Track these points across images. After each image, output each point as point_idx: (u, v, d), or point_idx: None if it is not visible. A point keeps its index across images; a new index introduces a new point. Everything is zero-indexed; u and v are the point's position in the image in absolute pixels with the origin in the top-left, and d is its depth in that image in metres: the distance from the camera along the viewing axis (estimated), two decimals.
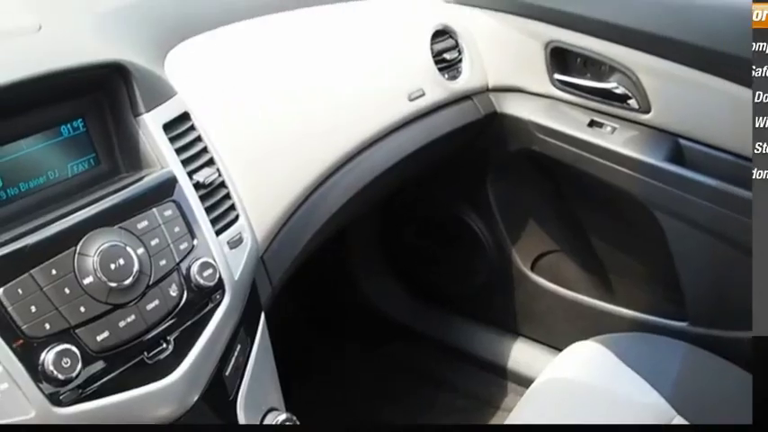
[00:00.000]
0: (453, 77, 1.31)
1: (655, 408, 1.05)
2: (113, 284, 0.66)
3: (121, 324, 0.66)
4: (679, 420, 1.04)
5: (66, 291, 0.63)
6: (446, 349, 1.67)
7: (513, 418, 1.06)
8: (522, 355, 1.58)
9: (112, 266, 0.66)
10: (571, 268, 1.52)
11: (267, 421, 0.80)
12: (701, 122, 1.26)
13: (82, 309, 0.64)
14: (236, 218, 0.81)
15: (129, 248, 0.68)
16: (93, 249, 0.66)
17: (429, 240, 1.67)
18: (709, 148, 1.27)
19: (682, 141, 1.29)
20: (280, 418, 0.80)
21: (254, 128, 0.90)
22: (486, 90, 1.38)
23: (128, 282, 0.67)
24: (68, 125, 0.74)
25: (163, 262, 0.71)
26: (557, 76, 1.35)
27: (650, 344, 1.21)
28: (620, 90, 1.30)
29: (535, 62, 1.35)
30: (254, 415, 0.79)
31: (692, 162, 1.27)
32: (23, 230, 0.64)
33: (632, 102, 1.30)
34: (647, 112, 1.29)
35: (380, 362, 1.69)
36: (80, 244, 0.65)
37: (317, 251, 1.05)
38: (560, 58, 1.34)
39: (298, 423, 0.82)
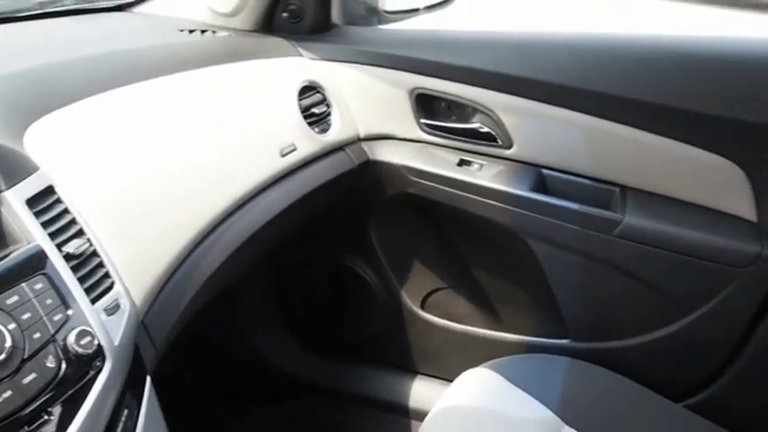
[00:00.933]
0: (324, 130, 1.35)
1: (544, 422, 1.10)
2: None
3: None
4: (568, 430, 1.10)
5: None
6: (347, 398, 1.68)
7: None
8: (420, 391, 1.61)
9: None
10: (459, 302, 1.57)
11: None
12: (559, 153, 1.35)
13: None
14: (112, 285, 0.82)
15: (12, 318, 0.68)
16: None
17: (319, 292, 1.69)
18: (569, 175, 1.36)
19: (544, 171, 1.38)
20: None
21: (122, 196, 0.91)
22: (358, 140, 1.43)
23: (1, 357, 0.66)
24: None
25: (37, 335, 0.70)
26: (423, 120, 1.42)
27: (536, 363, 1.28)
28: (483, 129, 1.39)
29: (402, 109, 1.41)
30: None
31: (554, 189, 1.36)
32: None
33: (496, 139, 1.38)
34: (510, 147, 1.37)
35: (282, 419, 1.68)
36: None
37: (204, 311, 1.05)
38: (425, 104, 1.41)
39: None
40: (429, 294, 1.59)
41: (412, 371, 1.65)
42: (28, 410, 0.68)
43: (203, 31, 1.35)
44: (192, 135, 1.06)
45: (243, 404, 1.67)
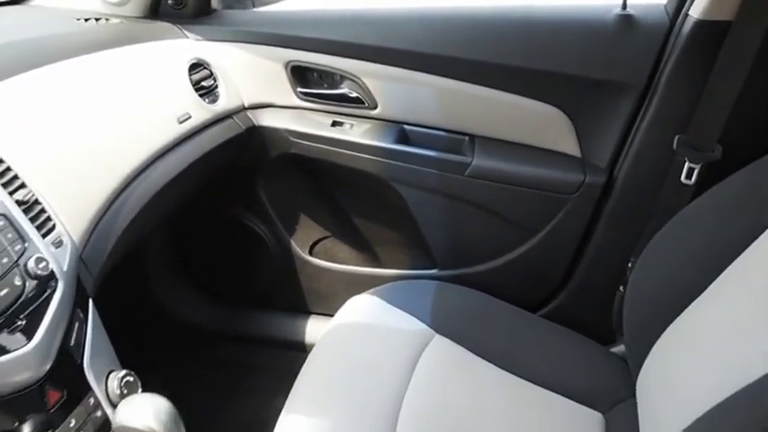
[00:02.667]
0: (213, 101, 1.53)
1: (419, 333, 1.32)
2: None
3: None
4: (439, 338, 1.32)
5: None
6: (248, 340, 1.87)
7: (304, 372, 1.27)
8: (313, 327, 1.83)
9: None
10: (342, 247, 1.79)
11: (110, 380, 0.98)
12: (416, 110, 1.58)
13: None
14: (54, 226, 1.00)
15: None
16: None
17: (218, 247, 1.87)
18: (426, 129, 1.60)
19: (405, 127, 1.61)
20: (120, 374, 0.99)
21: (54, 157, 1.07)
22: (243, 109, 1.62)
23: None
24: None
25: (5, 260, 0.88)
26: (299, 89, 1.63)
27: (410, 287, 1.49)
28: (352, 94, 1.60)
29: (279, 80, 1.61)
30: (99, 375, 0.97)
31: (415, 141, 1.60)
32: None
33: (363, 101, 1.60)
34: (375, 108, 1.60)
35: (191, 365, 1.84)
36: None
37: (114, 271, 1.21)
38: (300, 75, 1.61)
39: (136, 379, 1.01)
40: (316, 243, 1.81)
41: (305, 311, 1.86)
42: (3, 318, 0.85)
43: (97, 19, 1.50)
44: (102, 108, 1.23)
45: (155, 355, 1.82)
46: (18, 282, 0.89)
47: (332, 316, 1.45)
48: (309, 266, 1.80)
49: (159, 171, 1.30)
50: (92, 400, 0.96)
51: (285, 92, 1.63)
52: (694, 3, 1.31)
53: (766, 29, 1.23)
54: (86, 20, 1.49)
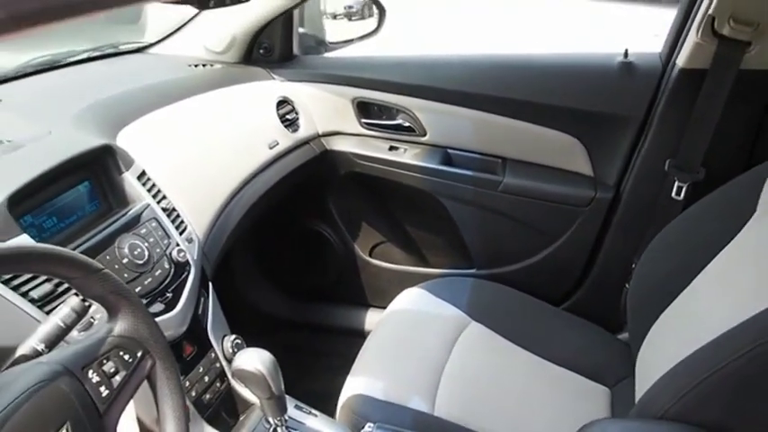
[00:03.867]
0: (295, 130, 1.91)
1: (457, 318, 1.63)
2: (138, 262, 1.21)
3: (145, 282, 1.21)
4: (474, 324, 1.62)
5: (116, 266, 1.18)
6: (317, 328, 2.22)
7: (366, 347, 1.58)
8: (371, 317, 2.18)
9: (136, 252, 1.21)
10: (396, 250, 2.14)
11: (224, 341, 1.35)
12: (458, 137, 1.92)
13: (125, 275, 1.18)
14: (186, 227, 1.38)
15: (141, 243, 1.23)
16: (125, 244, 1.21)
17: (293, 250, 2.24)
18: (466, 152, 1.93)
19: (449, 151, 1.95)
20: (231, 338, 1.36)
21: (182, 175, 1.46)
22: (318, 136, 2.00)
23: (143, 261, 1.22)
24: (82, 185, 1.28)
25: (158, 250, 1.26)
26: (363, 120, 1.99)
27: (451, 282, 1.81)
28: (405, 124, 1.96)
29: (347, 113, 1.98)
30: (217, 338, 1.34)
31: (457, 163, 1.94)
32: (84, 239, 1.17)
33: (414, 130, 1.95)
34: (424, 135, 1.94)
35: (266, 349, 2.18)
36: (116, 242, 1.20)
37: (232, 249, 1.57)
38: (363, 108, 1.98)
39: (243, 341, 1.37)
40: (375, 246, 2.16)
41: (364, 304, 2.21)
42: (159, 288, 1.23)
43: (204, 65, 1.90)
44: (213, 136, 1.61)
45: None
46: (167, 266, 1.27)
47: (385, 308, 1.71)
48: (369, 266, 2.15)
49: (255, 186, 1.68)
50: (213, 355, 1.33)
51: (351, 122, 1.99)
52: (680, 54, 1.63)
53: (735, 76, 1.54)
54: (195, 65, 1.88)
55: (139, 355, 0.92)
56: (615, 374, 1.52)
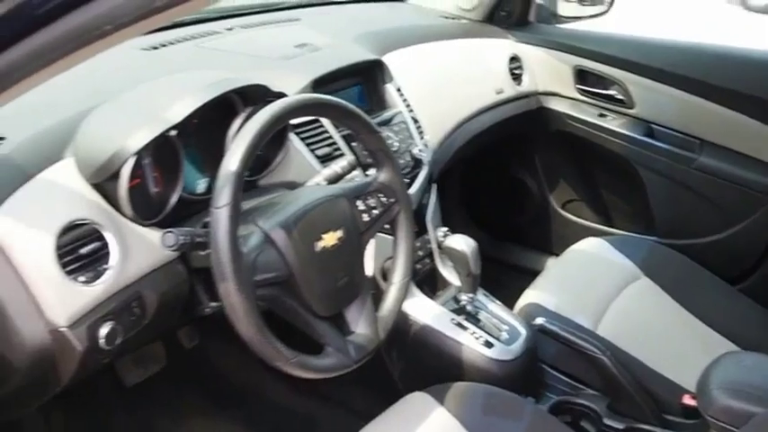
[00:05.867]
0: (519, 84, 2.20)
1: (631, 270, 1.81)
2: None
3: None
4: (645, 279, 1.79)
5: None
6: (506, 265, 2.51)
7: (543, 275, 1.84)
8: (552, 260, 2.43)
9: (389, 142, 1.57)
10: (587, 207, 2.38)
11: (438, 231, 1.67)
12: (663, 114, 2.11)
13: None
14: (424, 135, 1.71)
15: (393, 137, 1.58)
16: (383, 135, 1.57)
17: (496, 193, 2.54)
18: (667, 129, 2.13)
19: (653, 125, 2.15)
20: (443, 228, 1.68)
21: (428, 96, 1.79)
22: (537, 93, 2.27)
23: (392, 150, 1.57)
24: (355, 87, 1.65)
25: (403, 146, 1.61)
26: (578, 86, 2.24)
27: (632, 240, 2.03)
28: (618, 96, 2.18)
29: (566, 77, 2.24)
30: (432, 225, 1.66)
31: (657, 137, 2.14)
32: None
33: (624, 102, 2.18)
34: (633, 107, 2.16)
35: None
36: None
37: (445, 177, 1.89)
38: (581, 75, 2.22)
39: (449, 232, 1.68)
40: (568, 201, 2.41)
41: (549, 251, 2.48)
42: (408, 177, 1.57)
43: (453, 18, 2.24)
44: (456, 72, 1.95)
45: None
46: (408, 159, 1.61)
47: None
48: (560, 217, 2.41)
49: (481, 121, 1.99)
50: (426, 237, 1.65)
51: (568, 86, 2.25)
52: None
53: None
54: (445, 17, 2.23)
55: (392, 201, 1.25)
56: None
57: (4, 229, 1.00)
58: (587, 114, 2.22)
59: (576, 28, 2.36)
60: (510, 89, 2.15)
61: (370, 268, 1.45)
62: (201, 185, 1.30)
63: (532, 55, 2.26)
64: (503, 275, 2.45)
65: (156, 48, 1.56)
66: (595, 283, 1.76)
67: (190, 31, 1.70)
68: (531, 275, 2.29)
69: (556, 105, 2.27)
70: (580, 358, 1.56)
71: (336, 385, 1.71)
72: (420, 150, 1.64)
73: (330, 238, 1.11)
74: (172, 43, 1.60)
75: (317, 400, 1.80)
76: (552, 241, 2.46)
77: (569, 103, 2.26)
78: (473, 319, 1.56)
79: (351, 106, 1.18)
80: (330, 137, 1.48)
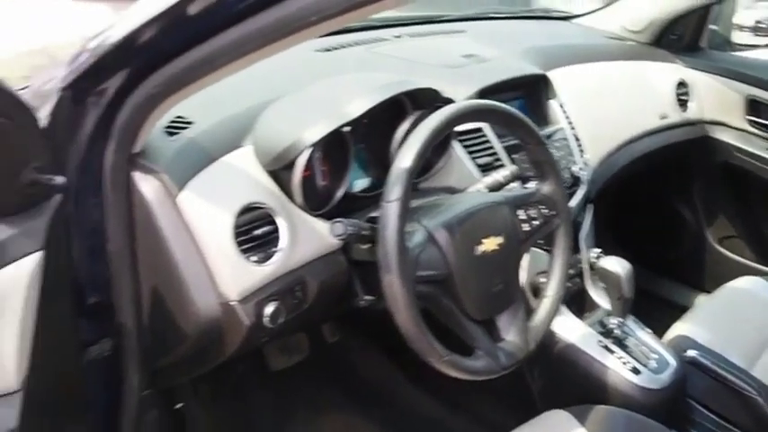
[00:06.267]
0: (684, 110, 2.13)
1: None
2: None
3: None
4: None
5: None
6: (651, 296, 2.42)
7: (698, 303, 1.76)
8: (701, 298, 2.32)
9: None
10: (746, 245, 2.26)
11: (591, 252, 1.64)
12: None
13: None
14: (584, 153, 1.69)
15: (554, 153, 1.58)
16: None
17: (647, 218, 2.46)
18: None
19: None
20: (597, 250, 1.64)
21: (592, 116, 1.77)
22: (703, 122, 2.19)
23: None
24: (517, 101, 1.65)
25: (563, 162, 1.59)
26: (749, 117, 2.14)
27: None
28: None
29: (736, 107, 2.15)
30: (585, 245, 1.63)
31: None
32: None
33: None
34: None
35: None
36: None
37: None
38: (753, 106, 2.13)
39: (602, 254, 1.65)
40: (726, 237, 2.31)
41: (700, 287, 2.37)
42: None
43: (619, 39, 2.20)
44: (623, 94, 1.91)
45: None
46: (566, 176, 1.59)
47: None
48: (716, 254, 2.31)
49: (640, 146, 1.95)
50: (579, 256, 1.63)
51: (738, 117, 2.16)
52: None
53: None
54: (610, 38, 2.19)
55: (553, 214, 1.25)
56: None
57: (189, 206, 1.07)
58: (757, 147, 2.12)
59: (750, 56, 2.27)
60: (675, 115, 2.09)
61: (522, 279, 1.45)
62: (361, 184, 1.33)
63: (701, 81, 2.18)
64: (648, 307, 2.34)
65: (328, 50, 1.62)
66: (751, 323, 1.68)
67: (359, 37, 1.76)
68: (678, 310, 2.22)
69: (722, 135, 2.18)
70: (732, 397, 1.49)
71: (471, 394, 1.75)
72: (580, 168, 1.63)
73: (490, 244, 1.12)
74: (343, 47, 1.66)
75: (450, 407, 1.81)
76: (705, 277, 2.35)
77: (737, 135, 2.17)
78: (620, 343, 1.52)
79: (523, 116, 1.18)
80: (492, 147, 1.49)
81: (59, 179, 0.93)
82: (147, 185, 1.06)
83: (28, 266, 0.91)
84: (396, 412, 1.86)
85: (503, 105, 1.17)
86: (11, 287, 0.90)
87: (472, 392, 1.74)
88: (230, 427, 1.73)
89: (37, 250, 0.92)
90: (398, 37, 1.81)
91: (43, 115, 0.95)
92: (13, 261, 0.90)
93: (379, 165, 1.32)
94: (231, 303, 1.08)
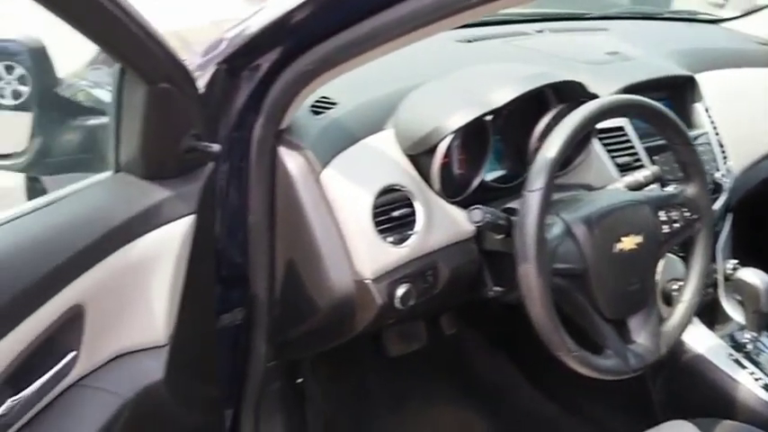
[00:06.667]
0: None
1: None
2: None
3: None
4: None
5: None
6: None
7: None
8: None
9: None
10: None
11: (728, 262, 1.57)
12: None
13: None
14: (727, 160, 1.62)
15: None
16: None
17: None
18: None
19: None
20: (733, 261, 1.57)
21: (737, 123, 1.69)
22: None
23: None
24: (662, 102, 1.59)
25: (706, 167, 1.51)
26: None
27: None
28: None
29: None
30: (724, 255, 1.58)
31: None
32: None
33: None
34: None
35: None
36: None
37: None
38: None
39: (738, 266, 1.56)
40: None
41: None
42: None
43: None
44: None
45: None
46: (709, 182, 1.52)
47: None
48: None
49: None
50: (714, 266, 1.53)
51: None
52: None
53: None
54: (762, 44, 2.09)
55: (695, 217, 1.20)
56: None
57: (331, 184, 1.10)
58: None
59: None
60: None
61: None
62: (494, 174, 1.32)
63: None
64: None
65: (469, 41, 1.62)
66: None
67: (499, 30, 1.75)
68: None
69: None
70: None
71: (587, 397, 1.71)
72: (722, 175, 1.56)
73: (629, 242, 1.10)
74: (484, 39, 1.66)
75: (564, 409, 1.78)
76: None
77: None
78: (752, 359, 1.45)
79: (673, 114, 1.15)
80: (632, 147, 1.46)
81: (215, 147, 0.97)
82: (291, 161, 1.10)
83: (181, 228, 0.95)
84: (509, 410, 1.84)
85: (653, 102, 1.14)
86: (165, 247, 0.95)
87: (588, 396, 1.70)
88: (345, 408, 1.76)
89: (189, 213, 0.96)
90: (540, 32, 1.79)
91: (201, 86, 1.00)
92: (169, 222, 0.95)
93: (514, 156, 1.32)
94: (365, 281, 1.10)
